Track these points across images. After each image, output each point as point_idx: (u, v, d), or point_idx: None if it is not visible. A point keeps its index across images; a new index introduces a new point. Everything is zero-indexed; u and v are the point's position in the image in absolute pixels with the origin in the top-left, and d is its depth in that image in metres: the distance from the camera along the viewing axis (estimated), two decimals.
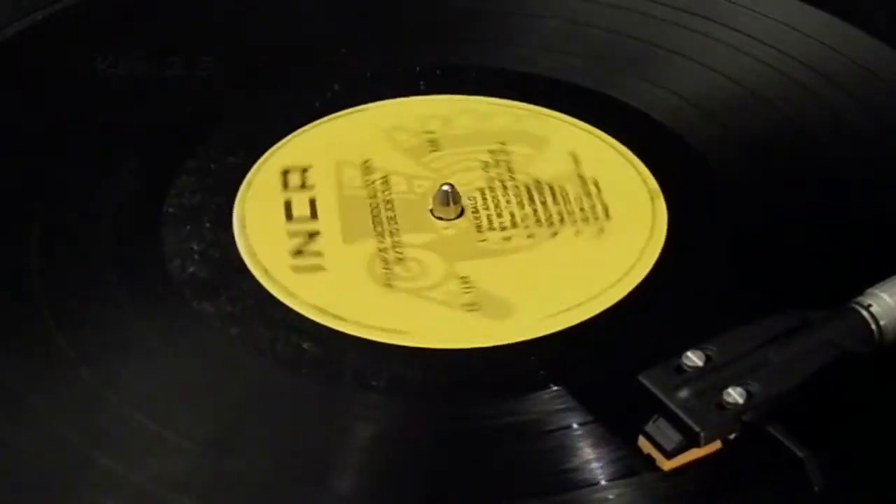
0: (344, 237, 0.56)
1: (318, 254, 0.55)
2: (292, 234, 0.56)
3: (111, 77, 0.65)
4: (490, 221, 0.57)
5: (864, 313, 0.48)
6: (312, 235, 0.56)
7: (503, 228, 0.57)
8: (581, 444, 0.47)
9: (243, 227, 0.57)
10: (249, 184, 0.59)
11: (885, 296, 0.48)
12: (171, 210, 0.57)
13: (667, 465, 0.45)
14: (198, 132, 0.62)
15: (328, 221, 0.57)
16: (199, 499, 0.45)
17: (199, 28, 0.69)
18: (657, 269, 0.54)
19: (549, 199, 0.58)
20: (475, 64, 0.66)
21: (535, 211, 0.58)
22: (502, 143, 0.62)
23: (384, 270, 0.55)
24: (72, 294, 0.53)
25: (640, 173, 0.60)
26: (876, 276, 0.49)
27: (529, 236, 0.56)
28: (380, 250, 0.56)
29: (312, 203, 0.58)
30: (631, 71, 0.66)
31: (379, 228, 0.57)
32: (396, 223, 0.57)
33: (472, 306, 0.53)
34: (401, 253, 0.55)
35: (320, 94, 0.64)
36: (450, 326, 0.52)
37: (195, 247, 0.55)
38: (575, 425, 0.47)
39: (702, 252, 0.55)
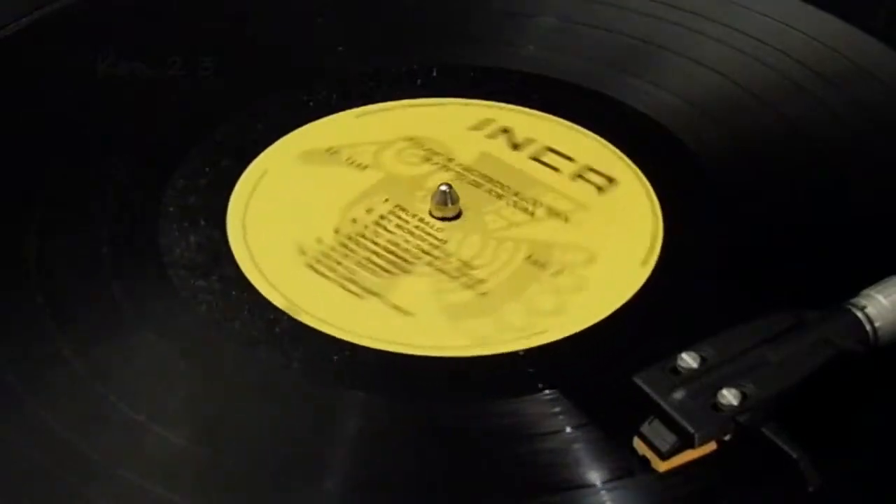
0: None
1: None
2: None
3: (111, 77, 0.65)
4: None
5: (860, 314, 0.48)
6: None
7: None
8: (576, 446, 0.47)
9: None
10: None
11: (880, 297, 0.48)
12: (169, 209, 0.57)
13: (662, 466, 0.45)
14: (197, 132, 0.62)
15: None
16: (194, 494, 0.45)
17: (199, 28, 0.69)
18: (653, 269, 0.54)
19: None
20: (473, 63, 0.67)
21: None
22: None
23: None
24: (70, 292, 0.53)
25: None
26: (871, 278, 0.49)
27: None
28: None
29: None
30: (629, 70, 0.66)
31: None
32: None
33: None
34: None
35: (320, 94, 0.64)
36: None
37: (194, 246, 0.56)
38: (570, 427, 0.47)
39: (698, 252, 0.55)
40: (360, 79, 0.65)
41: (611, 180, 0.59)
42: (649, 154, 0.61)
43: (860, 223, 0.56)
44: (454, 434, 0.48)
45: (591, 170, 0.60)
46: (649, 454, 0.45)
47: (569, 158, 0.61)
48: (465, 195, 0.58)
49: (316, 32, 0.69)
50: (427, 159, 0.60)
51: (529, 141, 0.62)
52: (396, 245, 0.56)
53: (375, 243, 0.56)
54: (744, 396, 0.45)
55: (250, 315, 0.52)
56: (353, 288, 0.54)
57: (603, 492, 0.45)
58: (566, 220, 0.58)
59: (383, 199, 0.58)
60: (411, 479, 0.46)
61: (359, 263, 0.55)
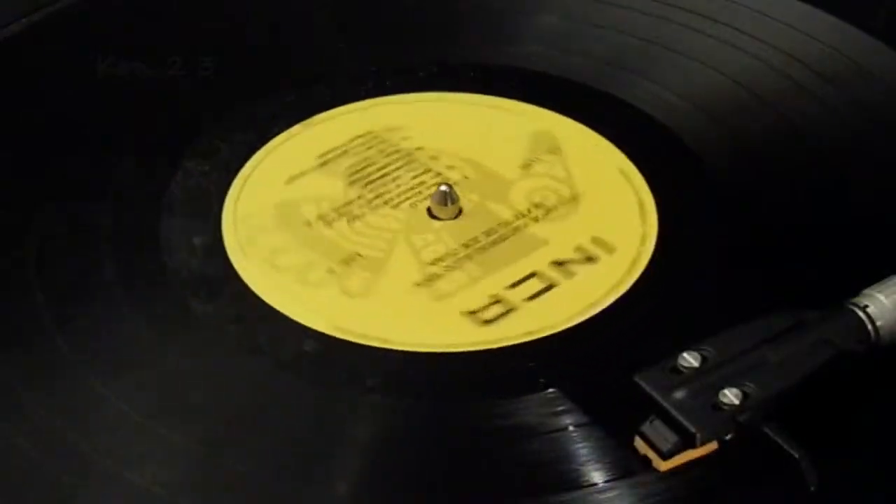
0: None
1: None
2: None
3: (111, 77, 0.65)
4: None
5: (861, 314, 0.48)
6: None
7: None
8: (577, 446, 0.47)
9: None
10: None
11: (881, 297, 0.48)
12: (169, 209, 0.57)
13: (663, 465, 0.45)
14: (197, 132, 0.62)
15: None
16: (197, 499, 0.45)
17: (199, 28, 0.69)
18: (654, 269, 0.54)
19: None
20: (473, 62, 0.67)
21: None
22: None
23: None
24: (70, 293, 0.53)
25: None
26: (871, 278, 0.49)
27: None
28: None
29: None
30: (629, 69, 0.66)
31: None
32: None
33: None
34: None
35: (320, 94, 0.64)
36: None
37: (194, 246, 0.56)
38: (571, 427, 0.47)
39: (698, 252, 0.55)
40: (363, 76, 0.66)
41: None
42: (649, 153, 0.61)
43: (860, 223, 0.56)
44: (454, 433, 0.48)
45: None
46: (650, 454, 0.45)
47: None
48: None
49: (316, 32, 0.69)
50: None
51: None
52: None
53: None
54: (745, 396, 0.45)
55: (250, 315, 0.52)
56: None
57: (604, 491, 0.45)
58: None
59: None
60: (411, 478, 0.46)
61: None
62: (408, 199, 0.58)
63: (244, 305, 0.53)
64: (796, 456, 0.44)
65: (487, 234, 0.56)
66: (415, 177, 0.59)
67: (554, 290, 0.54)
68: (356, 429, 0.48)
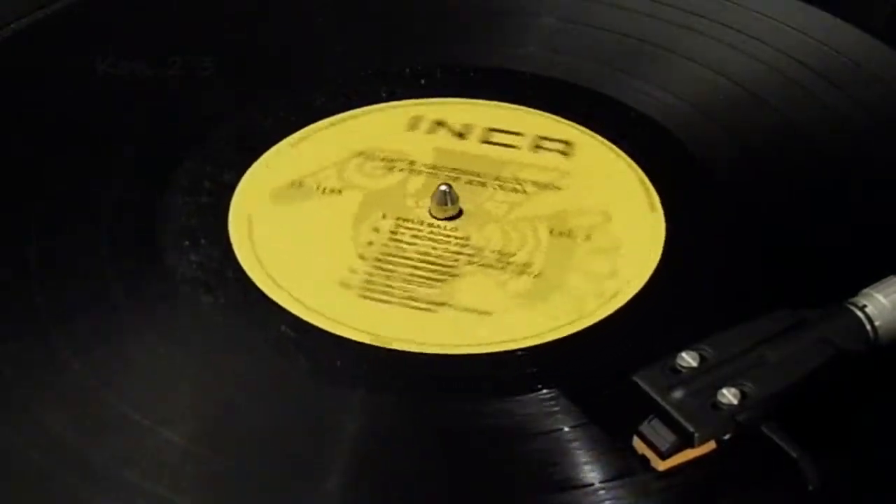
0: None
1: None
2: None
3: (111, 77, 0.65)
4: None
5: (859, 314, 0.48)
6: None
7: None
8: (575, 446, 0.47)
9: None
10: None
11: (879, 296, 0.48)
12: (169, 209, 0.57)
13: (661, 465, 0.45)
14: (197, 132, 0.62)
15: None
16: (197, 498, 0.45)
17: (199, 28, 0.69)
18: (653, 269, 0.54)
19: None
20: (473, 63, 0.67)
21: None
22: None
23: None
24: (69, 292, 0.53)
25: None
26: (871, 278, 0.49)
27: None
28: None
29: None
30: (628, 70, 0.66)
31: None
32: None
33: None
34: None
35: (320, 95, 0.64)
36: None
37: (193, 246, 0.56)
38: (569, 427, 0.47)
39: (697, 251, 0.55)
40: (363, 78, 0.66)
41: (567, 143, 0.61)
42: (649, 154, 0.61)
43: (859, 223, 0.56)
44: (454, 433, 0.48)
45: (545, 138, 0.61)
46: (649, 453, 0.45)
47: (517, 133, 0.62)
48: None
49: (316, 32, 0.69)
50: (390, 168, 0.60)
51: (469, 127, 0.62)
52: (427, 254, 0.55)
53: (407, 258, 0.55)
54: (744, 395, 0.45)
55: (252, 314, 0.53)
56: (417, 304, 0.53)
57: (602, 491, 0.45)
58: (557, 188, 0.58)
59: (380, 215, 0.57)
60: (411, 478, 0.46)
61: (406, 280, 0.54)
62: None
63: (245, 305, 0.53)
64: (795, 456, 0.44)
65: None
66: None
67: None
68: (356, 428, 0.48)
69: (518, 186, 0.59)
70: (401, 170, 0.60)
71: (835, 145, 0.61)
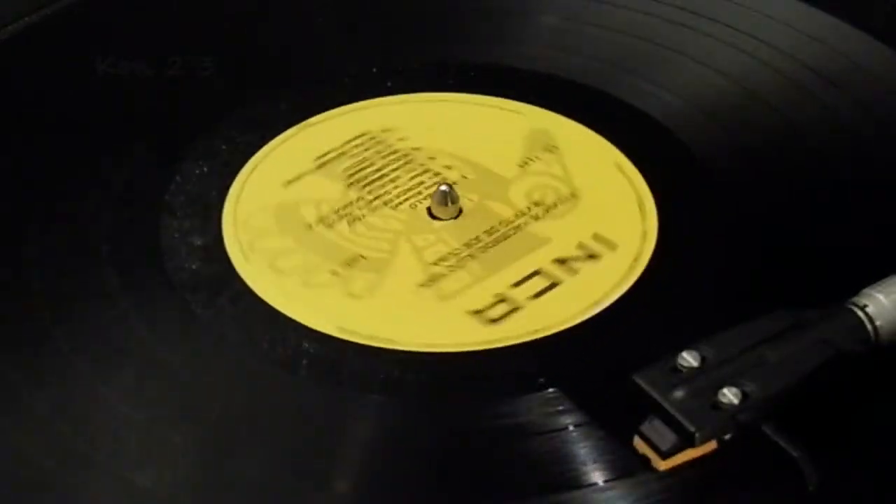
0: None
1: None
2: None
3: (111, 77, 0.65)
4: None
5: (860, 314, 0.48)
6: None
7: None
8: (576, 445, 0.47)
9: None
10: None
11: (880, 296, 0.48)
12: (169, 209, 0.57)
13: (662, 465, 0.45)
14: (197, 132, 0.62)
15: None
16: (197, 498, 0.45)
17: (199, 28, 0.69)
18: (653, 268, 0.54)
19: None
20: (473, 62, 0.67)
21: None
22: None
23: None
24: (70, 293, 0.53)
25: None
26: (871, 278, 0.49)
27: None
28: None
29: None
30: (629, 70, 0.66)
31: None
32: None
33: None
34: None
35: (320, 93, 0.64)
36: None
37: (194, 247, 0.56)
38: (571, 426, 0.47)
39: (697, 251, 0.55)
40: (363, 76, 0.66)
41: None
42: (647, 152, 0.60)
43: (860, 223, 0.56)
44: (454, 433, 0.48)
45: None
46: (650, 453, 0.45)
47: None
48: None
49: (316, 32, 0.69)
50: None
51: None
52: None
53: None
54: (744, 395, 0.45)
55: (252, 317, 0.53)
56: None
57: (603, 491, 0.45)
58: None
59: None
60: (411, 478, 0.46)
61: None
62: (407, 199, 0.58)
63: (245, 306, 0.53)
64: (795, 455, 0.44)
65: (489, 233, 0.57)
66: (413, 177, 0.60)
67: (558, 288, 0.54)
68: (361, 429, 0.48)
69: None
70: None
71: (835, 145, 0.61)
